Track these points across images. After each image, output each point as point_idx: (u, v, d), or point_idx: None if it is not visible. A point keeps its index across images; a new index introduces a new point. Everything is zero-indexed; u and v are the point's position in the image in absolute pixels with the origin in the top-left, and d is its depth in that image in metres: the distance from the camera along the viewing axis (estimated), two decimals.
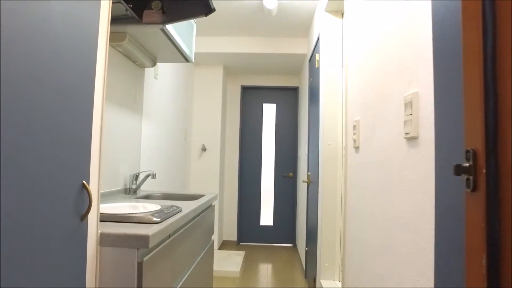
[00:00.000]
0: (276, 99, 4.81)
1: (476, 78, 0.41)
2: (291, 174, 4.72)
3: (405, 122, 0.96)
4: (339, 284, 2.37)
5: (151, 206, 1.44)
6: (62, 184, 0.82)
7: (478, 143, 0.38)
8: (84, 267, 0.92)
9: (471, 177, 0.40)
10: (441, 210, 0.58)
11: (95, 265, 1.03)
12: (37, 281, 0.72)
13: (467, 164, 0.40)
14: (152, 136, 2.60)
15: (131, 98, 2.16)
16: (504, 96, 0.39)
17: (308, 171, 3.26)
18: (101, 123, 1.02)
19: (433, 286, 0.52)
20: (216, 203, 4.11)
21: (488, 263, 0.37)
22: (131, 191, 2.11)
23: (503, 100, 0.39)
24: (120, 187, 2.03)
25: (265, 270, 3.69)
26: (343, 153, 2.37)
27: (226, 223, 4.76)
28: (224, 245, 4.65)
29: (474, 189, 0.40)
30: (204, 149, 4.07)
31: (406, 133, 0.94)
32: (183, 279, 1.59)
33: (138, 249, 1.05)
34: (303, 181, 3.35)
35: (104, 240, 1.05)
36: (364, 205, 1.38)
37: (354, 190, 1.57)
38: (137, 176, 2.17)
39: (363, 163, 1.41)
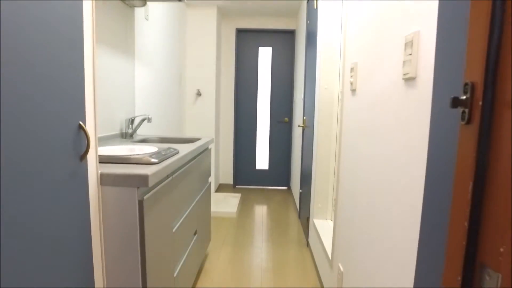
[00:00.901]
0: (272, 43, 4.65)
1: (483, 9, 0.40)
2: (286, 119, 4.73)
3: (404, 62, 0.94)
4: (331, 223, 2.50)
5: (149, 149, 1.46)
6: (60, 125, 0.82)
7: (477, 75, 0.38)
8: (87, 205, 0.96)
9: (466, 110, 0.41)
10: (434, 144, 0.60)
11: (98, 204, 1.07)
12: (44, 219, 0.76)
13: (464, 97, 0.41)
14: (146, 80, 2.54)
15: (122, 40, 2.08)
16: (509, 29, 0.38)
17: (303, 116, 3.27)
18: (93, 63, 0.99)
19: (420, 216, 0.55)
20: (212, 147, 4.17)
21: (473, 190, 0.40)
22: (127, 135, 2.12)
23: (507, 32, 0.38)
24: (117, 131, 2.03)
25: (261, 211, 3.86)
26: (339, 97, 2.36)
27: (223, 166, 4.87)
28: (221, 188, 4.81)
29: (469, 121, 0.41)
30: (199, 94, 4.02)
31: (404, 74, 0.94)
32: (182, 218, 1.67)
33: (138, 188, 1.08)
34: (299, 126, 3.37)
35: (105, 180, 1.08)
36: (358, 148, 1.41)
37: (349, 133, 1.59)
38: (132, 121, 2.17)
39: (359, 106, 1.41)
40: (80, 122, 0.92)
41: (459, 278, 0.43)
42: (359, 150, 1.40)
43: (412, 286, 0.77)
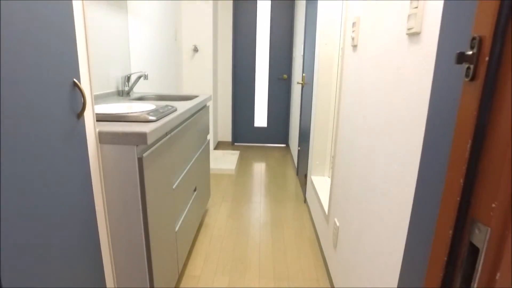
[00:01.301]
0: None
1: None
2: (285, 76, 4.65)
3: (409, 16, 0.90)
4: (328, 180, 2.55)
5: (146, 106, 1.45)
6: (54, 83, 0.80)
7: (487, 29, 0.37)
8: (87, 163, 0.97)
9: (472, 66, 0.40)
10: (435, 101, 0.59)
11: (98, 161, 1.08)
12: (44, 177, 0.76)
13: (471, 52, 0.39)
14: (140, 36, 2.45)
15: None
16: None
17: (303, 73, 3.21)
18: (83, 17, 0.95)
19: (417, 173, 0.56)
20: (210, 104, 4.14)
21: (472, 148, 0.40)
22: (124, 93, 2.09)
23: None
24: (113, 89, 2.00)
25: (259, 168, 3.93)
26: (340, 53, 2.30)
27: (221, 124, 4.87)
28: (220, 145, 4.85)
29: (473, 78, 0.40)
30: (195, 49, 3.90)
31: (408, 29, 0.90)
32: (182, 175, 1.69)
33: (137, 145, 1.08)
34: (298, 83, 3.32)
35: (103, 138, 1.08)
36: (358, 106, 1.40)
37: (348, 91, 1.57)
38: (128, 78, 2.13)
39: (360, 62, 1.38)
40: (74, 79, 0.90)
41: (451, 231, 0.45)
42: (359, 108, 1.39)
43: (405, 239, 0.81)
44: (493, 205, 0.39)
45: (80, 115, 0.93)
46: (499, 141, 0.39)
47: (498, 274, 0.41)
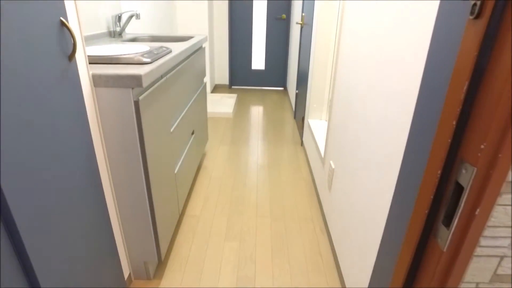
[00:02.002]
0: None
1: None
2: (284, 15, 4.44)
3: None
4: (325, 123, 2.57)
5: (140, 48, 1.40)
6: (39, 23, 0.76)
7: None
8: (83, 107, 0.96)
9: (478, 3, 0.38)
10: (436, 42, 0.57)
11: (94, 105, 1.08)
12: (40, 124, 0.76)
13: None
14: None
15: None
16: None
17: (302, 12, 3.05)
18: None
19: (412, 115, 0.56)
20: (206, 46, 4.00)
21: (468, 90, 0.40)
22: (116, 34, 2.00)
23: None
24: (104, 30, 1.91)
25: (257, 112, 3.92)
26: None
27: (218, 67, 4.76)
28: (217, 88, 4.78)
29: (478, 16, 0.38)
30: None
31: None
32: (179, 119, 1.70)
33: (132, 88, 1.07)
34: (297, 23, 3.18)
35: (97, 81, 1.06)
36: (357, 48, 1.36)
37: (348, 32, 1.51)
38: (119, 17, 2.02)
39: (361, 2, 1.31)
40: (61, 18, 0.86)
41: (439, 172, 0.47)
42: (359, 50, 1.35)
43: (396, 179, 0.84)
44: (482, 146, 0.40)
45: (71, 57, 0.90)
46: (496, 83, 0.38)
47: (478, 210, 0.44)
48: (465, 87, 0.39)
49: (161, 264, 1.58)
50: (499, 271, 0.50)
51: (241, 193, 2.23)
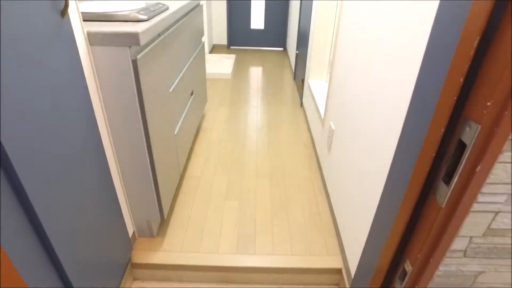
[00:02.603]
0: None
1: None
2: None
3: None
4: (326, 84, 2.54)
5: (135, 4, 1.34)
6: None
7: None
8: (79, 65, 0.93)
9: None
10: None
11: (91, 65, 1.05)
12: (36, 84, 0.75)
13: None
14: None
15: None
16: None
17: None
18: None
19: (417, 74, 0.55)
20: (204, 4, 3.84)
21: (479, 45, 0.39)
22: None
23: None
24: None
25: (256, 72, 3.86)
26: None
27: (216, 26, 4.60)
28: (215, 49, 4.66)
29: None
30: None
31: None
32: (178, 79, 1.67)
33: (129, 47, 1.04)
34: None
35: (93, 39, 1.02)
36: (360, 7, 1.31)
37: None
38: None
39: None
40: None
41: (443, 130, 0.47)
42: (362, 9, 1.30)
43: (398, 138, 0.84)
44: (488, 104, 0.39)
45: (63, 12, 0.87)
46: (506, 41, 0.37)
47: (479, 167, 0.44)
48: (475, 43, 0.38)
49: (164, 222, 1.63)
50: (493, 226, 0.52)
51: (241, 154, 2.25)
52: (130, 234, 1.44)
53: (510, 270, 0.57)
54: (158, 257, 1.42)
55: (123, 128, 1.19)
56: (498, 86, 0.39)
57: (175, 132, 1.65)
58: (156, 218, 1.44)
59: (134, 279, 1.43)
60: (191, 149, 2.28)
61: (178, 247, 1.49)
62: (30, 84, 0.72)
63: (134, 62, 1.07)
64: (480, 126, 0.42)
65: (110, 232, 1.14)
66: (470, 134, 0.43)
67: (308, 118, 2.61)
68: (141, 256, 1.42)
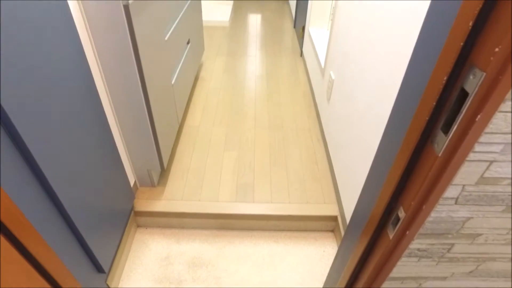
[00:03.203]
0: None
1: None
2: None
3: None
4: (327, 33, 2.44)
5: None
6: None
7: None
8: (69, 14, 0.88)
9: None
10: None
11: (81, 13, 1.00)
12: (29, 33, 0.71)
13: None
14: None
15: None
16: None
17: None
18: None
19: (424, 19, 0.53)
20: None
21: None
22: None
23: None
24: None
25: (254, 20, 3.69)
26: None
27: None
28: None
29: None
30: None
31: None
32: (173, 26, 1.60)
33: None
34: None
35: None
36: None
37: None
38: None
39: None
40: None
41: (445, 78, 0.46)
42: None
43: (398, 87, 0.83)
44: (496, 49, 0.38)
45: None
46: None
47: (479, 117, 0.44)
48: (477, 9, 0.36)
49: (164, 172, 1.66)
50: (486, 175, 0.53)
51: (239, 104, 2.23)
52: (132, 184, 1.47)
53: (497, 216, 0.59)
54: (159, 206, 1.47)
55: (119, 78, 1.16)
56: (508, 30, 0.37)
57: (172, 82, 1.61)
58: (156, 168, 1.46)
59: (138, 226, 1.50)
60: (189, 98, 2.25)
61: (178, 196, 1.54)
62: (19, 34, 0.68)
63: (126, 7, 1.01)
64: (485, 73, 0.40)
65: (112, 181, 1.16)
66: (473, 82, 0.42)
67: (308, 68, 2.55)
68: (143, 204, 1.47)
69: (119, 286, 1.28)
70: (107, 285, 1.17)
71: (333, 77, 1.69)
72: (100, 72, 1.14)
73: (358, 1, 1.31)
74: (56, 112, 0.81)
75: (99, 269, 1.08)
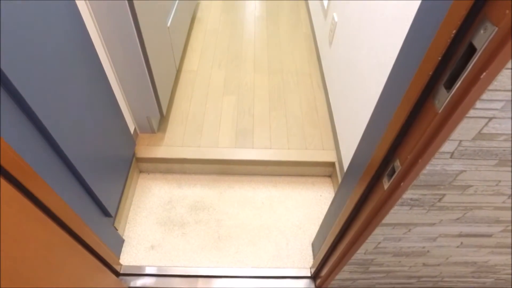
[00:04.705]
0: None
1: None
2: None
3: None
4: None
5: None
6: None
7: None
8: None
9: None
10: None
11: None
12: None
13: None
14: None
15: None
16: None
17: None
18: None
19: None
20: None
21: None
22: None
23: None
24: None
25: None
26: None
27: None
28: None
29: None
30: None
31: None
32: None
33: None
34: None
35: None
36: None
37: None
38: None
39: None
40: None
41: (454, 31, 0.44)
42: None
43: (405, 34, 0.80)
44: None
45: None
46: None
47: (484, 74, 0.43)
48: None
49: (163, 118, 1.66)
50: (484, 131, 0.53)
51: (238, 47, 2.15)
52: (132, 130, 1.48)
53: (489, 169, 0.61)
54: (160, 152, 1.50)
55: (112, 22, 1.11)
56: None
57: (168, 24, 1.54)
58: (155, 114, 1.46)
59: (140, 171, 1.54)
60: (186, 41, 2.17)
61: (179, 142, 1.55)
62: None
63: None
64: (497, 28, 0.38)
65: (112, 129, 1.17)
66: (483, 37, 0.41)
67: (310, 9, 2.41)
68: (144, 151, 1.49)
69: (126, 228, 1.35)
70: (115, 227, 1.24)
71: (336, 20, 1.61)
72: (91, 17, 1.08)
73: None
74: (50, 61, 0.79)
75: (105, 213, 1.13)
